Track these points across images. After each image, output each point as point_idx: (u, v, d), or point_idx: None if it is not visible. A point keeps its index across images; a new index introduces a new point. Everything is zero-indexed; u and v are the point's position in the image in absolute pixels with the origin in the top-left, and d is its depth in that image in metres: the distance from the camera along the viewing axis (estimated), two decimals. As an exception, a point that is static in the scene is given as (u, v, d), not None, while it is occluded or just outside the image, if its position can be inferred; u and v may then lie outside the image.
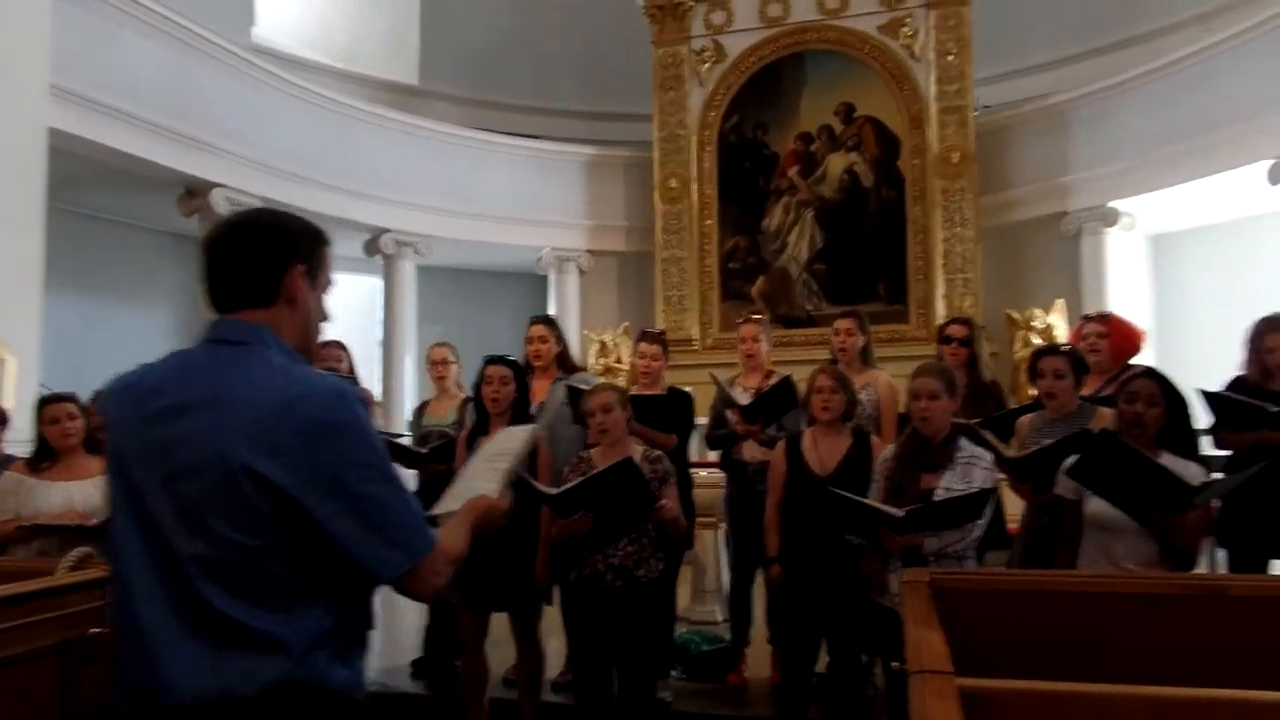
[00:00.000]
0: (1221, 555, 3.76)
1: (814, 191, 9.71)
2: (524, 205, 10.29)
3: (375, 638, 4.18)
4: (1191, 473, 2.68)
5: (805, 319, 9.43)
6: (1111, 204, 9.01)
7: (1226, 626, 2.04)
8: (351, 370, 4.22)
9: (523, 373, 3.60)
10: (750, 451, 4.03)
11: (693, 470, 4.45)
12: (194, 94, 7.59)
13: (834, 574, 3.10)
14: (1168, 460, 2.69)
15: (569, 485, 3.05)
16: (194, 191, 7.97)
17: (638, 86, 10.36)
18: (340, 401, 1.38)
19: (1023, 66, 10.19)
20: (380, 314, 10.07)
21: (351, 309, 10.39)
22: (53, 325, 6.09)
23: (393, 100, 10.56)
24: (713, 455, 4.72)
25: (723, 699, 3.92)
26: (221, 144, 7.88)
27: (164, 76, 7.30)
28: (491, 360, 3.55)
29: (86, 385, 4.09)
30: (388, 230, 9.74)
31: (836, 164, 9.67)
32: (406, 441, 4.37)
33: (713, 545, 5.18)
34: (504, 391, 3.48)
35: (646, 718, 3.20)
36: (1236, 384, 3.40)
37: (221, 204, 7.96)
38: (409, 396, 9.36)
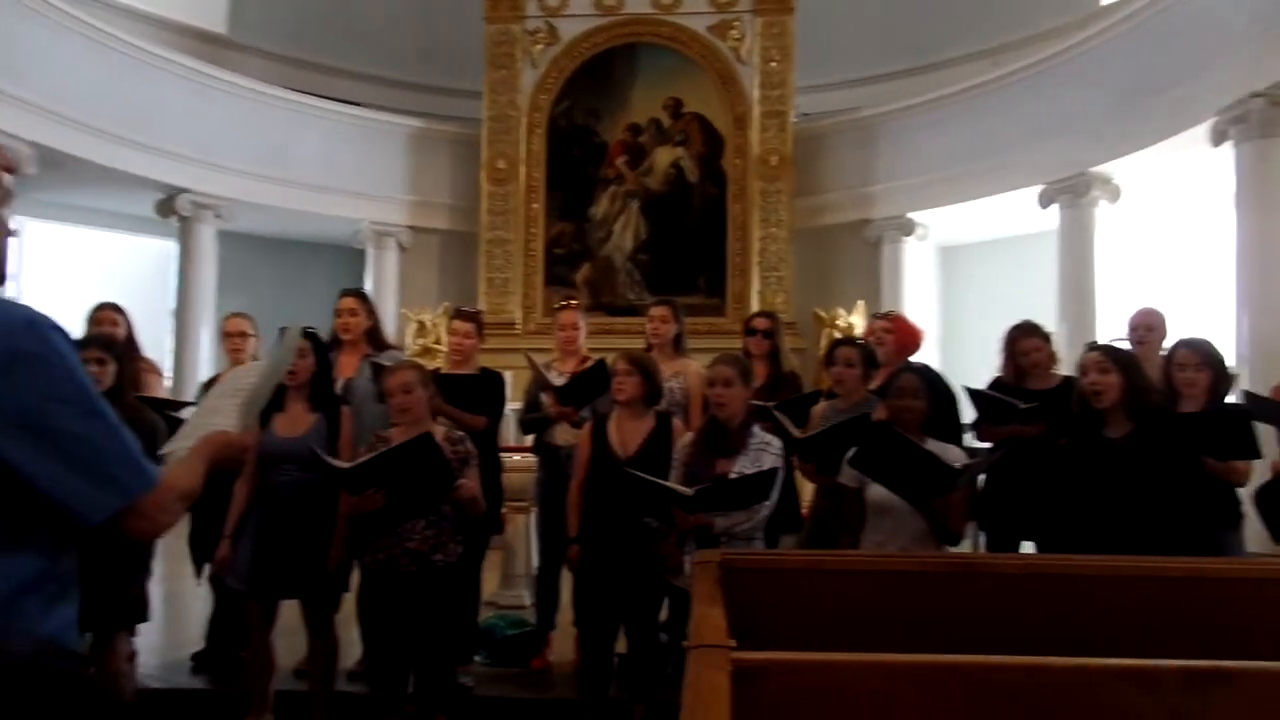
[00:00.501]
0: (983, 537, 4.17)
1: (640, 183, 9.86)
2: (341, 175, 9.78)
3: (152, 631, 3.89)
4: (952, 457, 2.94)
5: (628, 308, 9.55)
6: (909, 215, 9.74)
7: (978, 599, 2.25)
8: (130, 335, 3.85)
9: (324, 346, 3.41)
10: (563, 435, 4.04)
11: (505, 454, 4.41)
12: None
13: (632, 556, 3.16)
14: (932, 447, 2.94)
15: (361, 459, 2.92)
16: (-55, 130, 6.99)
17: (467, 61, 10.11)
18: (30, 330, 1.26)
19: (839, 80, 10.80)
20: (174, 281, 9.27)
21: (140, 273, 9.51)
22: None
23: (196, 49, 9.71)
24: (529, 439, 4.69)
25: (526, 683, 3.91)
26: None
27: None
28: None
29: None
30: (185, 190, 8.95)
31: (663, 157, 9.86)
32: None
33: (524, 529, 5.15)
34: (301, 365, 3.29)
35: (444, 705, 3.14)
36: (996, 384, 3.77)
37: (-19, 147, 7.03)
38: (205, 369, 8.68)
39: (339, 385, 3.77)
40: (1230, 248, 6.86)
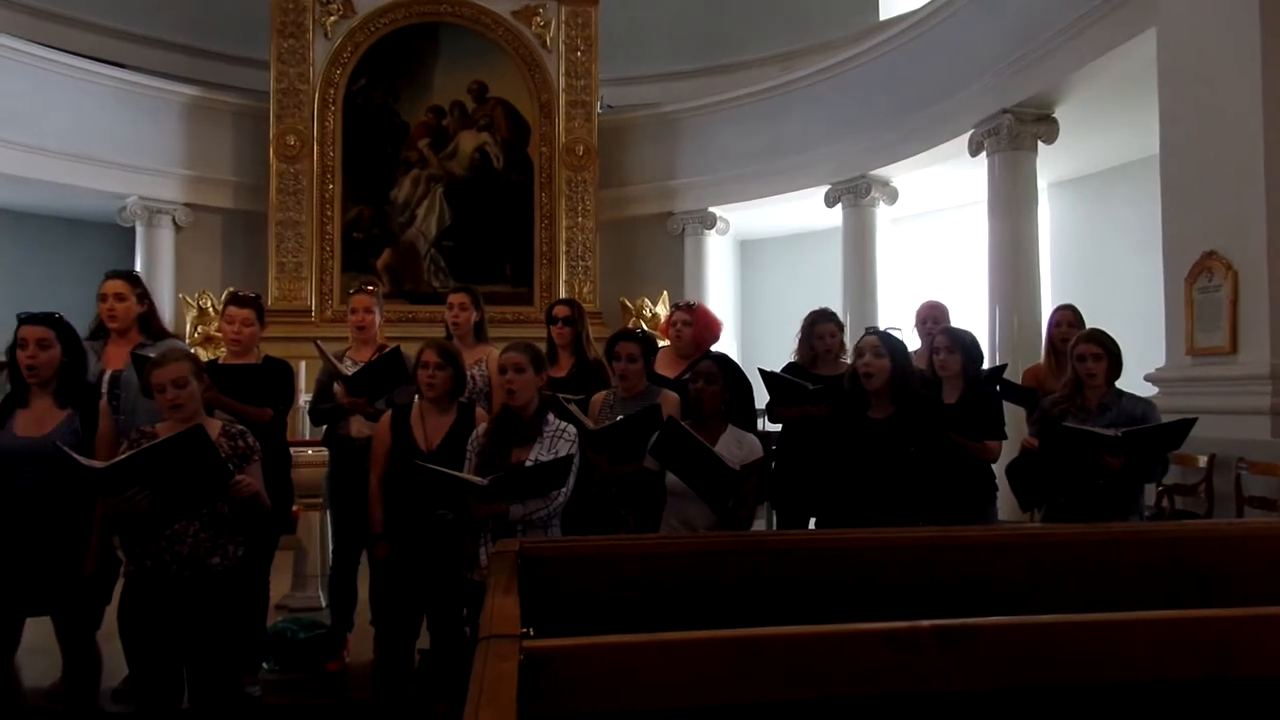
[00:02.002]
0: (774, 515, 4.41)
1: (445, 167, 9.60)
2: (103, 144, 8.79)
3: None
4: (747, 444, 3.08)
5: (431, 295, 9.29)
6: (710, 209, 10.11)
7: (769, 574, 2.37)
8: None
9: (72, 333, 3.05)
10: (358, 427, 3.86)
11: (295, 448, 4.15)
12: None
13: (431, 550, 3.08)
14: (729, 434, 3.07)
15: (119, 458, 2.65)
16: None
17: (253, 28, 9.42)
18: None
19: (644, 74, 11.01)
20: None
21: None
22: None
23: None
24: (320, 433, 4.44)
25: (319, 687, 3.72)
26: None
27: None
28: (28, 319, 2.96)
29: None
30: (-96, 153, 7.74)
31: (468, 142, 9.65)
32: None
33: (317, 527, 4.88)
34: (42, 357, 2.93)
35: (227, 718, 2.91)
36: (790, 368, 3.99)
37: None
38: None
39: (107, 378, 3.39)
40: (985, 248, 7.64)
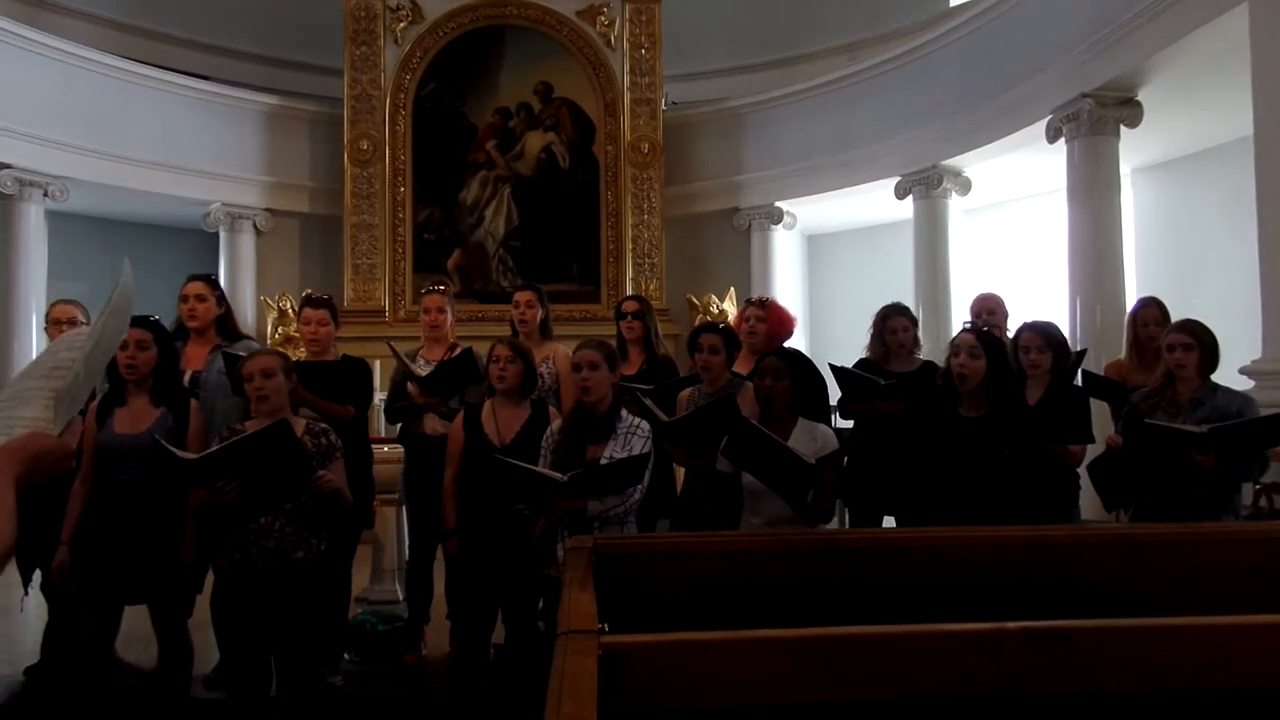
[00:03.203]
0: (847, 512, 4.34)
1: (512, 168, 9.71)
2: (187, 152, 9.14)
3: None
4: (821, 436, 3.04)
5: (500, 294, 9.39)
6: (777, 203, 10.01)
7: (844, 574, 2.34)
8: None
9: (167, 336, 3.19)
10: (432, 425, 3.94)
11: (375, 445, 4.26)
12: None
13: (507, 545, 3.12)
14: (801, 428, 3.03)
15: (210, 449, 2.75)
16: None
17: (327, 37, 9.66)
18: None
19: (708, 69, 10.95)
20: (-2, 264, 8.43)
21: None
22: None
23: (12, 9, 8.82)
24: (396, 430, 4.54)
25: (398, 679, 3.82)
26: None
27: None
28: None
29: None
30: (5, 166, 8.16)
31: (534, 142, 9.75)
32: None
33: (394, 522, 5.00)
34: (141, 358, 3.07)
35: (311, 707, 3.01)
36: (862, 363, 3.93)
37: None
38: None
39: (186, 378, 3.53)
40: (1065, 238, 7.39)
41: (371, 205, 9.38)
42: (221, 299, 3.73)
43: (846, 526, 4.33)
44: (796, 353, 3.31)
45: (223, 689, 3.34)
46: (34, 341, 8.33)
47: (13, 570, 3.81)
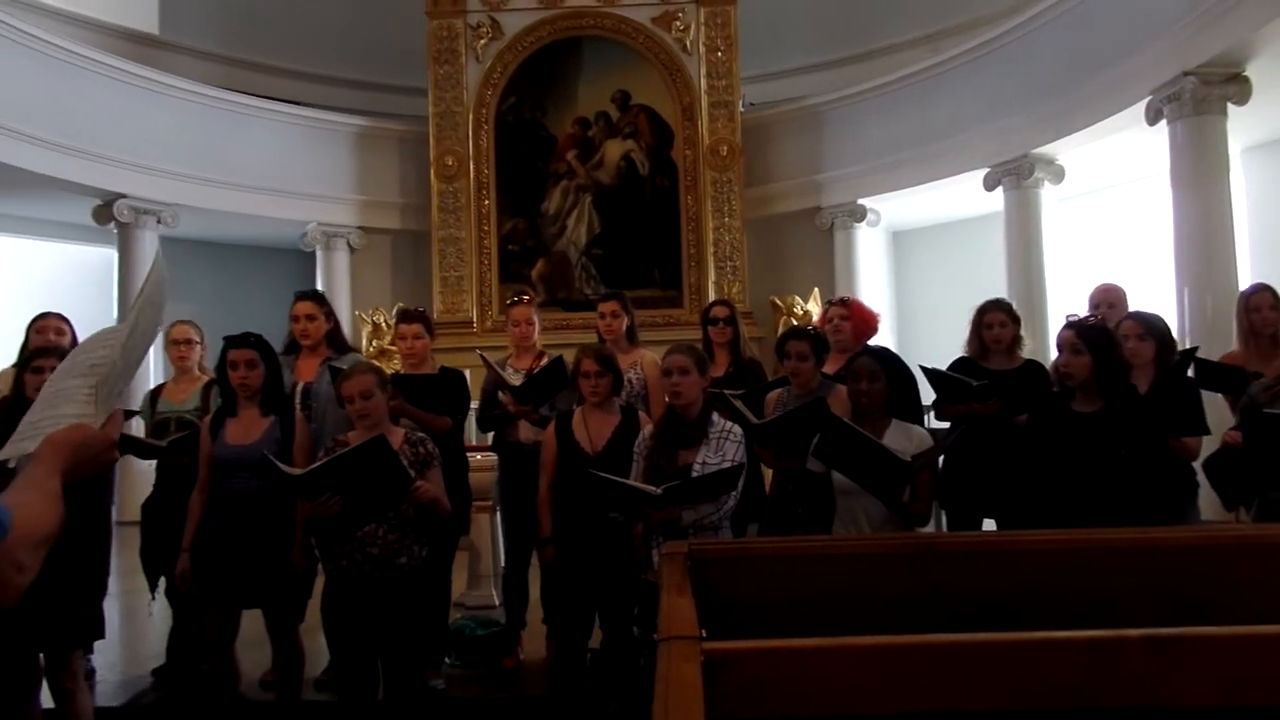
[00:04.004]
0: (944, 515, 4.23)
1: (592, 176, 9.83)
2: (286, 176, 9.59)
3: (110, 648, 3.79)
4: (916, 436, 2.98)
5: (584, 302, 9.52)
6: (860, 201, 9.84)
7: (942, 578, 2.28)
8: (75, 345, 3.74)
9: (271, 352, 3.34)
10: (526, 433, 4.01)
11: (469, 453, 4.36)
12: None
13: (603, 551, 3.16)
14: (895, 428, 2.98)
15: (313, 465, 2.87)
16: None
17: (412, 58, 9.97)
18: None
19: (785, 69, 10.87)
20: (115, 289, 9.00)
21: (80, 281, 9.22)
22: None
23: (127, 50, 9.43)
24: (488, 438, 4.64)
25: (497, 683, 3.89)
26: (-96, 88, 6.68)
27: None
28: (234, 342, 3.27)
29: None
30: (122, 196, 8.70)
31: (614, 150, 9.84)
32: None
33: (488, 529, 5.11)
34: (251, 375, 3.23)
35: (416, 709, 3.10)
36: (959, 363, 3.82)
37: (-95, 158, 6.77)
38: (153, 379, 8.45)
39: (299, 390, 3.69)
40: (1170, 224, 7.04)
41: (458, 219, 9.62)
42: (330, 314, 3.90)
43: (944, 529, 4.22)
44: (889, 352, 3.25)
45: (332, 690, 3.48)
46: (151, 358, 8.83)
47: (140, 576, 4.06)
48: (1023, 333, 3.87)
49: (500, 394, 3.99)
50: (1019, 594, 2.18)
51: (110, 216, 8.78)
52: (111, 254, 9.04)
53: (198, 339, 4.11)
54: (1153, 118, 6.99)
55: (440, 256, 9.60)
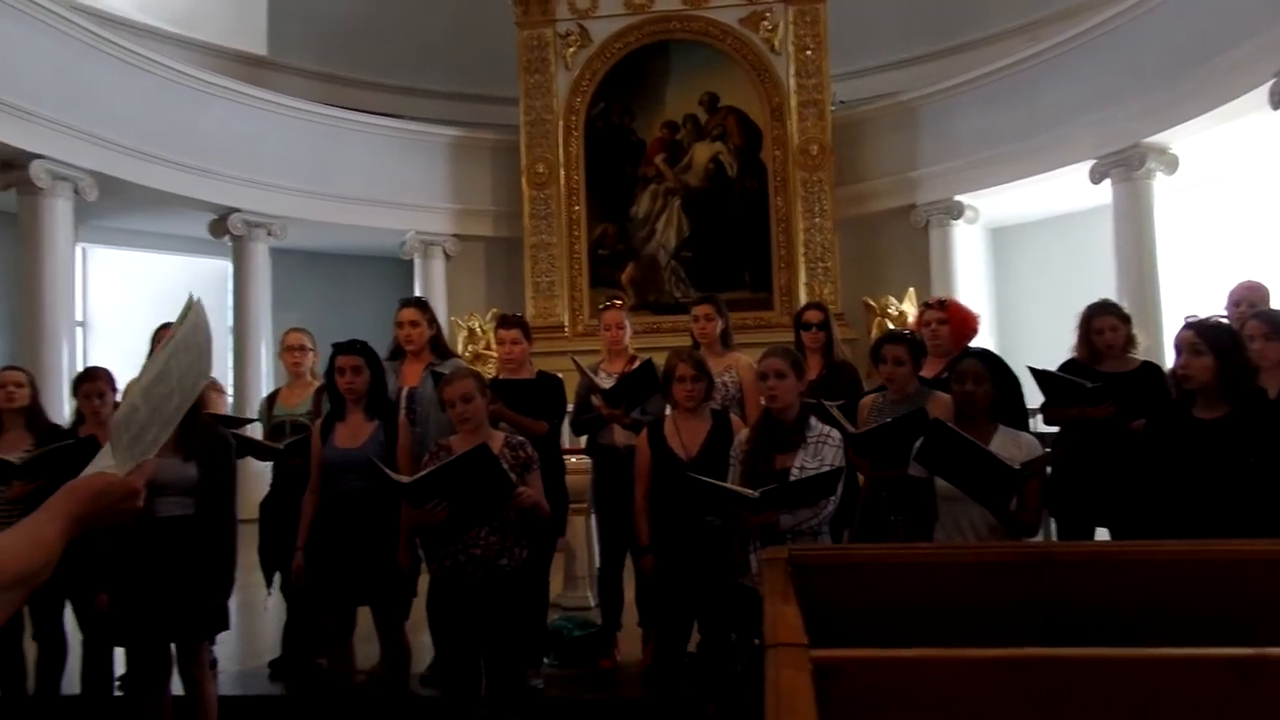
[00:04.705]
0: (1053, 523, 4.06)
1: (680, 180, 9.84)
2: (385, 187, 9.94)
3: (229, 640, 3.99)
4: (1024, 443, 2.87)
5: (674, 305, 9.55)
6: (956, 197, 9.56)
7: (1055, 589, 2.20)
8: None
9: (376, 358, 3.47)
10: (619, 436, 4.04)
11: (565, 456, 4.43)
12: (8, 56, 6.92)
13: (701, 556, 3.15)
14: (1002, 434, 2.88)
15: (420, 474, 2.97)
16: (10, 163, 7.26)
17: (503, 68, 10.19)
18: None
19: (874, 65, 10.66)
20: (230, 299, 9.50)
21: (199, 291, 9.68)
22: None
23: (239, 71, 9.95)
24: (581, 441, 4.70)
25: (594, 684, 3.93)
26: (42, 111, 7.20)
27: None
28: (342, 348, 3.41)
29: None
30: (236, 210, 9.18)
31: (702, 153, 9.83)
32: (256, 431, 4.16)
33: (584, 531, 5.17)
34: (357, 380, 3.36)
35: (517, 707, 3.17)
36: (1069, 365, 3.65)
37: (42, 177, 7.30)
38: (264, 385, 8.90)
39: (404, 395, 3.82)
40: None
41: (549, 225, 9.78)
42: (432, 321, 4.02)
43: (1053, 539, 4.06)
44: (993, 354, 3.15)
45: (437, 686, 3.58)
46: (263, 363, 9.30)
47: (254, 572, 4.26)
48: (1135, 332, 3.69)
49: (593, 398, 4.04)
50: (1140, 607, 2.08)
51: (225, 230, 9.28)
52: (226, 265, 9.54)
53: (310, 346, 4.29)
54: (1276, 102, 6.56)
55: (532, 262, 9.77)
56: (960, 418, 2.93)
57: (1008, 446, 2.82)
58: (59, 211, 7.49)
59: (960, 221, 9.66)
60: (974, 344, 3.90)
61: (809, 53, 9.58)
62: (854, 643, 1.56)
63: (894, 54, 10.67)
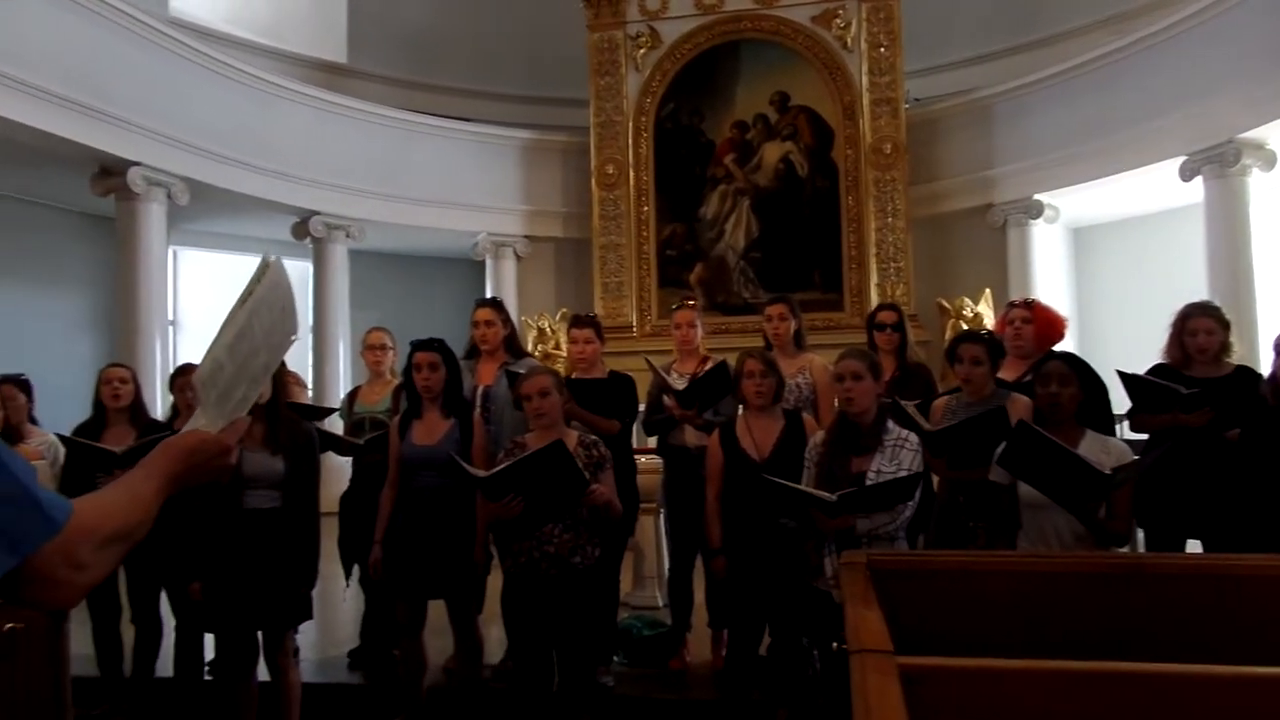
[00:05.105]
0: (1141, 534, 3.92)
1: (750, 180, 9.79)
2: (459, 189, 10.13)
3: (309, 629, 4.12)
4: (1114, 449, 2.77)
5: (742, 306, 9.52)
6: (1036, 196, 9.29)
7: (1144, 602, 2.12)
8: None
9: (453, 356, 3.53)
10: (691, 436, 4.04)
11: (635, 456, 4.44)
12: (106, 68, 7.25)
13: (774, 558, 3.14)
14: (1090, 439, 2.78)
15: (498, 468, 3.01)
16: (109, 170, 7.63)
17: (574, 71, 10.28)
18: None
19: (950, 61, 10.43)
20: (310, 299, 9.80)
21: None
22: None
23: (320, 79, 10.27)
24: (651, 441, 4.72)
25: (664, 683, 3.93)
26: (138, 121, 7.55)
27: (74, 48, 6.95)
28: (419, 346, 3.48)
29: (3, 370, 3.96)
30: (317, 213, 9.48)
31: (772, 153, 9.76)
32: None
33: (653, 530, 5.19)
34: (434, 378, 3.43)
35: (587, 704, 3.20)
36: (1157, 370, 3.51)
37: (138, 183, 7.65)
38: (342, 383, 9.15)
39: (479, 393, 3.89)
40: None
41: (618, 226, 9.83)
42: (507, 320, 4.08)
43: (1142, 549, 3.91)
44: (1077, 357, 3.05)
45: (509, 680, 3.63)
46: (341, 363, 9.57)
47: (333, 563, 4.39)
48: (1231, 338, 3.53)
49: (665, 398, 4.05)
50: (1235, 622, 2.00)
51: (306, 232, 9.58)
52: (307, 266, 9.84)
53: (391, 344, 4.40)
54: (1386, 93, 6.22)
55: (601, 263, 9.83)
56: (1044, 421, 2.85)
57: (1096, 452, 2.72)
58: (154, 216, 7.84)
59: (1039, 221, 9.39)
60: (1058, 348, 3.78)
61: (882, 50, 9.43)
62: (933, 650, 1.53)
63: (970, 50, 10.43)
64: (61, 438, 3.79)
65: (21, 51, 6.50)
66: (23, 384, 3.91)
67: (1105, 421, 3.29)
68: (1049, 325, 3.68)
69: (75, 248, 8.86)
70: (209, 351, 1.22)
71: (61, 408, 4.66)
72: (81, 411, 3.98)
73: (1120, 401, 3.50)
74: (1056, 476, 2.65)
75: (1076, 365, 2.90)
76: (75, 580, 0.92)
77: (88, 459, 3.64)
